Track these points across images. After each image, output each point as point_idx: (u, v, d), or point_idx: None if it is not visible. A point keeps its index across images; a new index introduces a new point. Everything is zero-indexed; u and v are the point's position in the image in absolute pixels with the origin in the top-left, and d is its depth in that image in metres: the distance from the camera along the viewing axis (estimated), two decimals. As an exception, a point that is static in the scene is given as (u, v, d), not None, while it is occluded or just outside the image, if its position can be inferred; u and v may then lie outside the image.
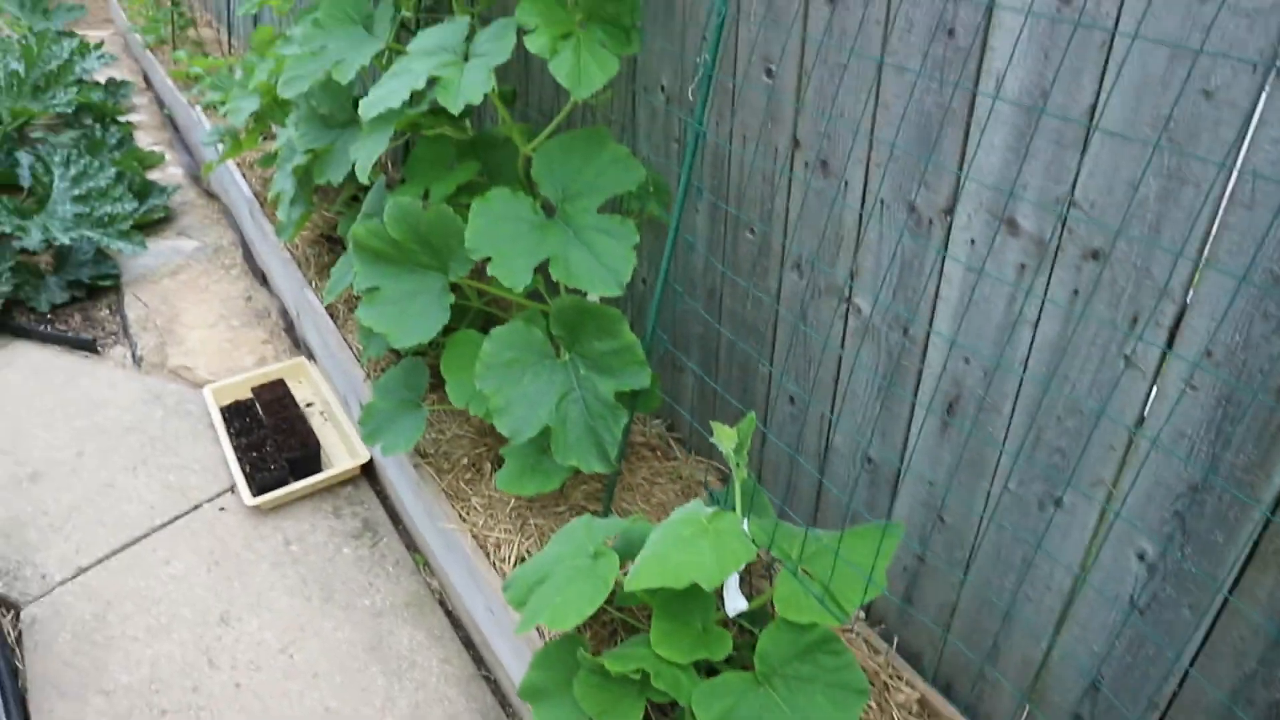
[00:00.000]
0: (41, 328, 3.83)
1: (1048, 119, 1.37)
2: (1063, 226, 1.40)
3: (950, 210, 1.57)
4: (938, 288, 1.64)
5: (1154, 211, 1.27)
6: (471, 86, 1.89)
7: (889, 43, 1.57)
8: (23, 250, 4.22)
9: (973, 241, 1.55)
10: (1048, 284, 1.45)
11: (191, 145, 5.20)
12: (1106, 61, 1.28)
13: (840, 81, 1.68)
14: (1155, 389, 1.35)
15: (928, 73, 1.52)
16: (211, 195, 4.85)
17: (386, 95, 1.92)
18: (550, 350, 1.99)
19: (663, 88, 2.10)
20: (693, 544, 1.56)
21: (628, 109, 2.23)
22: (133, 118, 6.05)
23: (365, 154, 2.21)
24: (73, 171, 4.24)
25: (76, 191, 4.19)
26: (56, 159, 4.28)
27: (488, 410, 1.98)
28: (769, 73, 1.81)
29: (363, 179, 2.21)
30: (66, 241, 3.95)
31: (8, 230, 3.91)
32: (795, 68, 1.75)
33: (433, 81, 1.96)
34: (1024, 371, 1.52)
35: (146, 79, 6.43)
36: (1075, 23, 1.28)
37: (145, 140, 5.70)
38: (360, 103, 1.93)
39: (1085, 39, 1.29)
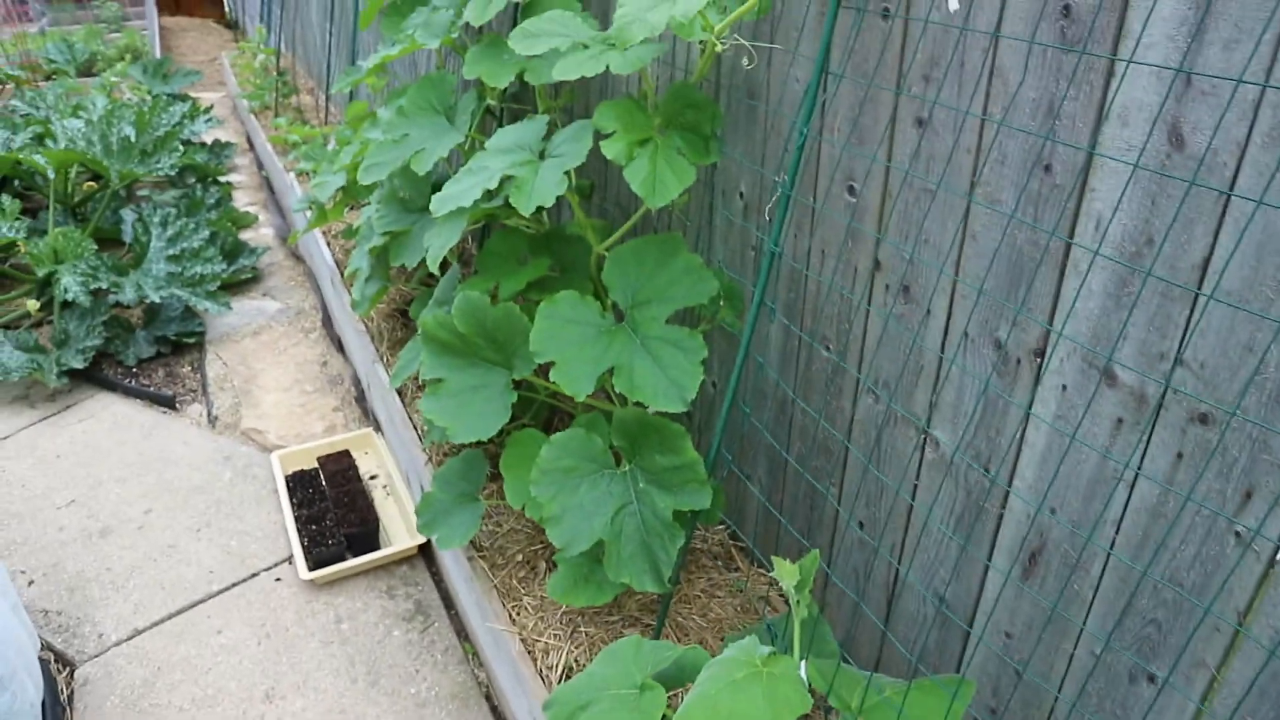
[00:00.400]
0: (127, 381, 3.94)
1: (1154, 268, 1.27)
2: (1167, 385, 1.29)
3: (1041, 353, 1.47)
4: (1023, 431, 1.53)
5: (1275, 381, 1.15)
6: (544, 189, 1.86)
7: (980, 172, 1.49)
8: (116, 304, 4.38)
9: (1064, 388, 1.44)
10: (1147, 443, 1.33)
11: (284, 208, 5.36)
12: (1223, 215, 1.18)
13: (926, 208, 1.60)
14: (1272, 573, 1.21)
15: (1021, 207, 1.43)
16: (298, 258, 4.97)
17: (459, 193, 1.91)
18: (610, 460, 1.92)
19: (741, 194, 2.05)
20: (745, 690, 1.46)
21: (704, 212, 2.19)
22: (233, 178, 6.29)
23: (437, 245, 2.20)
24: (169, 232, 4.40)
25: (171, 251, 4.34)
26: (156, 219, 4.45)
27: (542, 515, 1.91)
28: (851, 190, 1.74)
29: (433, 269, 2.21)
30: (157, 299, 4.08)
31: (104, 286, 4.06)
32: (879, 189, 1.68)
33: (506, 180, 1.95)
34: (1116, 533, 1.40)
35: (249, 141, 6.70)
36: (1190, 180, 1.19)
37: (242, 200, 5.91)
38: (433, 198, 1.92)
39: (1201, 182, 1.19)
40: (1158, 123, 1.22)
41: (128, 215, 5.04)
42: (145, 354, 4.14)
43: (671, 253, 1.91)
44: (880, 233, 1.70)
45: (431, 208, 1.89)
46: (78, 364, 3.86)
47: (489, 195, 1.94)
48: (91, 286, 4.05)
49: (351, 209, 4.22)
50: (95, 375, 4.00)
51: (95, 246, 4.27)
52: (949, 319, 1.62)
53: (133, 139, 4.72)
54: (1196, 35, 1.15)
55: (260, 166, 6.21)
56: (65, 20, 11.59)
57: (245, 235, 5.33)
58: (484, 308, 2.06)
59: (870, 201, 1.71)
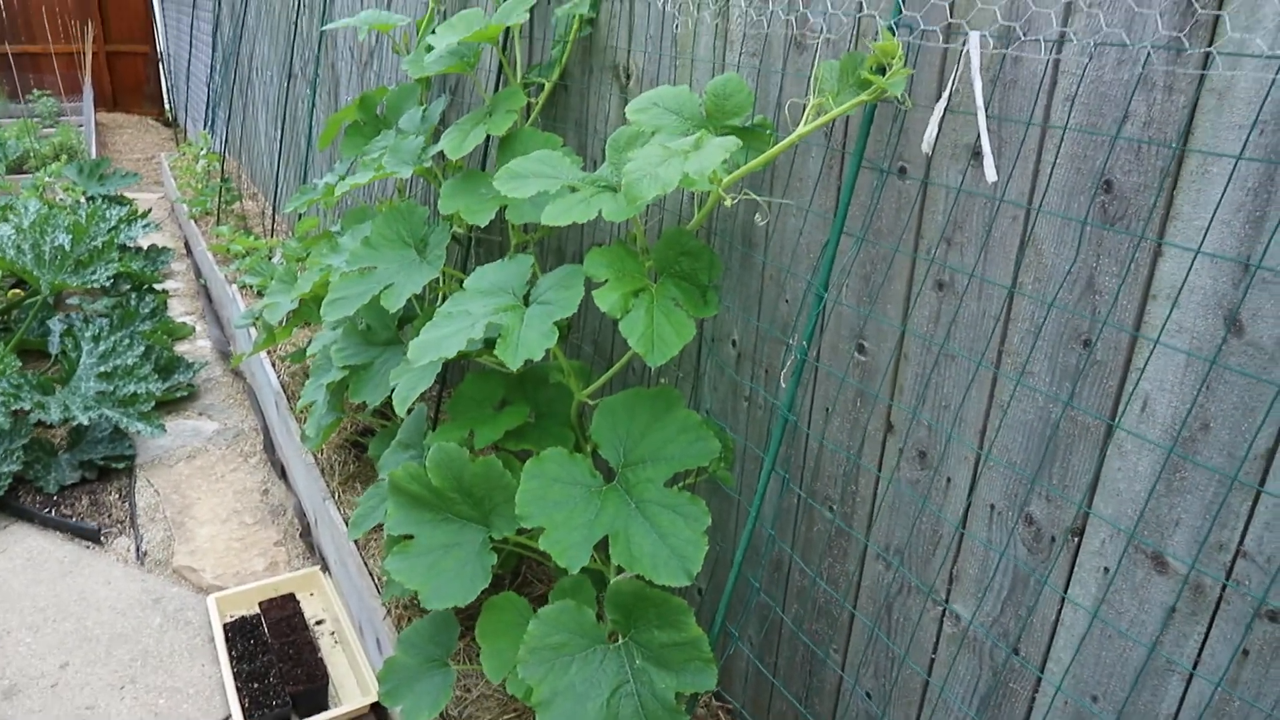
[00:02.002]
0: (46, 511, 3.64)
1: (1209, 454, 1.19)
2: (1228, 577, 1.19)
3: (1080, 531, 1.37)
4: (1059, 612, 1.42)
5: (1359, 590, 1.07)
6: (532, 340, 1.74)
7: (1008, 340, 1.41)
8: (39, 423, 4.09)
9: (1107, 570, 1.34)
10: (1206, 636, 1.23)
11: (224, 319, 5.14)
12: (1289, 406, 1.10)
13: (945, 372, 1.51)
14: (1362, 799, 1.10)
15: (1056, 382, 1.35)
16: (238, 373, 4.74)
17: (439, 340, 1.78)
18: (602, 633, 1.76)
19: (734, 343, 1.96)
20: None
21: (694, 358, 2.08)
22: (169, 285, 6.06)
23: (407, 388, 2.06)
24: (101, 348, 4.15)
25: (103, 368, 4.08)
26: (88, 333, 4.20)
27: (528, 693, 1.73)
28: (861, 349, 1.66)
29: (400, 412, 2.06)
30: (85, 422, 3.81)
31: (27, 407, 3.78)
32: (893, 350, 1.60)
33: (491, 329, 1.82)
34: (1175, 736, 1.28)
35: (187, 246, 6.49)
36: (1249, 374, 1.12)
37: (178, 309, 5.67)
38: (411, 346, 1.78)
39: (1262, 371, 1.12)
40: (1213, 307, 1.15)
41: (55, 326, 4.77)
42: (68, 480, 3.84)
43: (666, 408, 1.79)
44: (894, 395, 1.61)
45: (410, 357, 1.75)
46: (-10, 492, 3.55)
47: (472, 343, 1.81)
48: (13, 407, 3.77)
49: (301, 327, 4.04)
50: (10, 504, 3.69)
51: (19, 363, 4.00)
52: (972, 489, 1.52)
53: (67, 248, 4.49)
54: (1255, 223, 1.10)
55: (198, 274, 6.00)
56: (-3, 115, 11.33)
57: (181, 348, 5.09)
58: (461, 461, 1.90)
59: (882, 362, 1.62)
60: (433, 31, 2.92)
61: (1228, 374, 1.15)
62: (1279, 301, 1.10)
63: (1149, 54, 1.14)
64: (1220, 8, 1.07)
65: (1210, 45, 1.09)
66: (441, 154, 2.33)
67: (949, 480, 1.56)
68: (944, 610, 1.62)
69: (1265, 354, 1.12)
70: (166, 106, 13.03)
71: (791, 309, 1.77)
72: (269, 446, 3.97)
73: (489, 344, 2.10)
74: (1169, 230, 1.19)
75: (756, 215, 1.78)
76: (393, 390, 2.18)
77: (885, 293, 1.58)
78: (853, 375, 1.68)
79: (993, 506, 1.49)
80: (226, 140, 7.28)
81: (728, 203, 1.54)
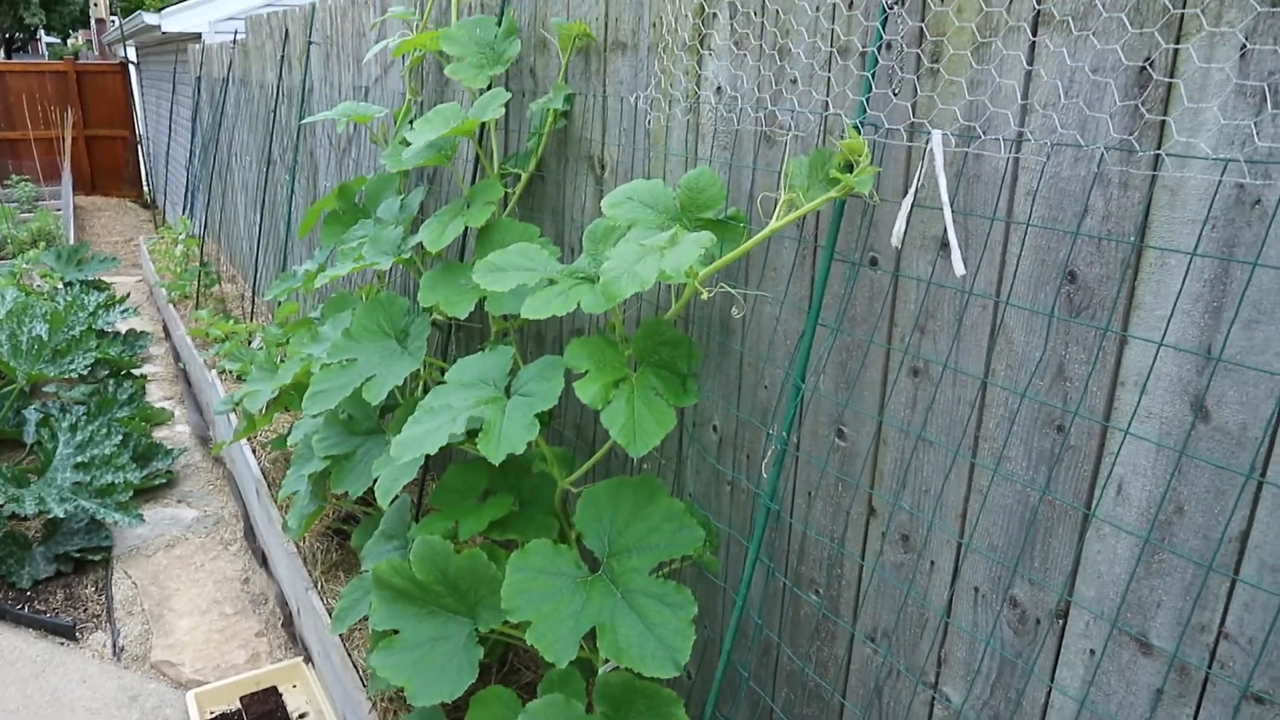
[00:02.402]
0: (19, 607, 3.56)
1: (1184, 537, 1.20)
2: (1211, 658, 1.20)
3: (1064, 614, 1.38)
4: (1048, 694, 1.42)
5: (1340, 674, 1.08)
6: (514, 433, 1.75)
7: (984, 425, 1.44)
8: (13, 516, 4.02)
9: (1093, 652, 1.35)
10: (1194, 718, 1.23)
11: (202, 404, 5.12)
12: (1260, 489, 1.13)
13: (924, 457, 1.53)
14: None
15: (1033, 466, 1.37)
16: (218, 459, 4.70)
17: (422, 436, 1.78)
18: (591, 729, 1.73)
19: (715, 428, 1.97)
20: None
21: (676, 442, 2.10)
22: (148, 369, 6.03)
23: (390, 480, 2.05)
24: (78, 438, 4.11)
25: (80, 459, 4.04)
26: (64, 423, 4.17)
27: (514, 795, 1.70)
28: (841, 434, 1.68)
29: (384, 505, 2.05)
30: (61, 514, 3.75)
31: (1, 501, 3.72)
32: (872, 434, 1.62)
33: (473, 422, 1.83)
34: (1172, 822, 1.27)
35: (166, 330, 6.48)
36: (1217, 463, 1.14)
37: (156, 394, 5.64)
38: (394, 443, 1.78)
39: (1230, 456, 1.15)
40: (1179, 393, 1.18)
41: (31, 415, 4.73)
42: (43, 574, 3.77)
43: (650, 497, 1.80)
44: (874, 479, 1.63)
45: (392, 454, 1.75)
46: (-38, 591, 3.48)
47: (454, 437, 1.81)
48: (-14, 501, 3.71)
49: (281, 413, 4.03)
50: (-18, 601, 3.61)
51: (-7, 456, 3.96)
52: (956, 572, 1.53)
53: (45, 338, 4.48)
54: (1213, 313, 1.14)
55: (177, 357, 5.98)
56: (-25, 201, 11.34)
57: (160, 434, 5.05)
58: (447, 554, 1.89)
59: (862, 447, 1.64)
60: (410, 122, 2.98)
61: (1200, 453, 1.18)
62: (1242, 388, 1.13)
63: (1103, 154, 1.19)
64: (1166, 113, 1.12)
65: (1159, 147, 1.14)
66: (421, 245, 2.37)
67: (932, 563, 1.56)
68: (934, 694, 1.61)
69: (1232, 439, 1.15)
70: (145, 189, 13.11)
71: (771, 395, 1.79)
72: (249, 533, 3.92)
73: (471, 433, 2.11)
74: (1133, 320, 1.22)
75: (733, 308, 1.81)
76: (375, 481, 2.18)
77: (862, 379, 1.61)
78: (833, 460, 1.69)
79: (977, 589, 1.50)
80: (206, 223, 7.32)
81: (704, 295, 1.57)
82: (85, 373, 4.63)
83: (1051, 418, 1.34)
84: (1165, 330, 1.17)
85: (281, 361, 3.94)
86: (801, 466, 1.78)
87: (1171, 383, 1.19)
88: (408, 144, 2.43)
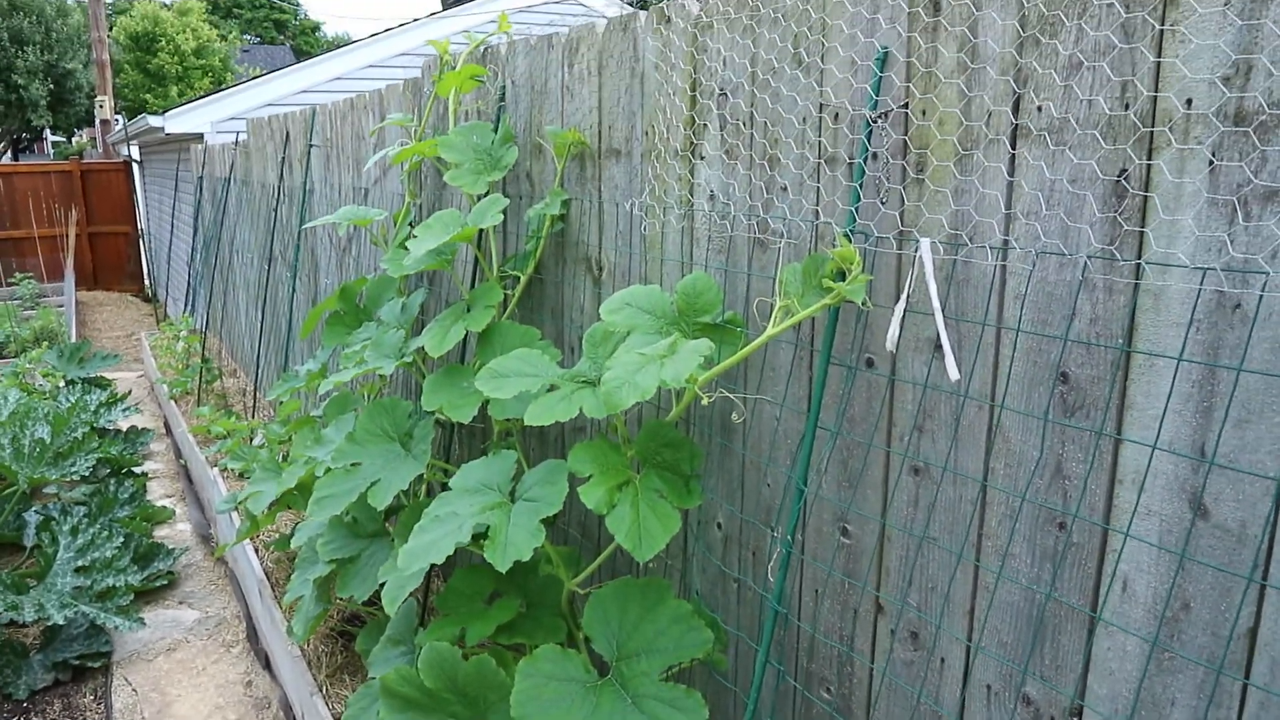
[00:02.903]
0: (16, 720, 3.49)
1: (1193, 634, 1.21)
2: (1229, 760, 1.19)
3: (1078, 712, 1.37)
4: (1068, 796, 1.40)
5: (1358, 776, 1.07)
6: (520, 539, 1.76)
7: (986, 523, 1.45)
8: (10, 623, 3.97)
9: (1110, 753, 1.33)
10: (1217, 823, 1.22)
11: (204, 501, 5.10)
12: (1265, 586, 1.13)
13: (929, 554, 1.54)
14: None
15: (1037, 563, 1.38)
16: (219, 557, 4.67)
17: (428, 546, 1.79)
18: (604, 842, 1.70)
19: (719, 525, 1.98)
20: None
21: (681, 540, 2.10)
22: (149, 466, 6.02)
23: (396, 588, 2.05)
24: (79, 541, 4.09)
25: (80, 562, 4.01)
26: (65, 526, 4.15)
27: None
28: (845, 532, 1.68)
29: (390, 612, 2.04)
30: (61, 621, 3.70)
31: (0, 609, 3.68)
32: (877, 532, 1.62)
33: (478, 528, 1.84)
34: None
35: (167, 426, 6.49)
36: (1216, 565, 1.15)
37: (158, 491, 5.62)
38: (401, 553, 1.79)
39: (1232, 555, 1.16)
40: (1177, 491, 1.20)
41: (31, 518, 4.70)
42: (40, 684, 3.71)
43: (658, 599, 1.79)
44: (880, 577, 1.63)
45: (400, 565, 1.75)
46: (-41, 705, 3.41)
47: (460, 545, 1.82)
48: (-15, 610, 3.67)
49: (284, 511, 4.02)
50: (-22, 715, 3.54)
51: (-7, 563, 3.93)
52: (967, 669, 1.52)
53: (47, 440, 4.49)
54: (1204, 412, 1.16)
55: (178, 454, 5.97)
56: (-21, 299, 11.47)
57: (161, 533, 5.02)
58: (454, 662, 1.88)
59: (867, 544, 1.65)
60: (409, 224, 3.05)
61: (1200, 550, 1.19)
62: (1238, 486, 1.14)
63: (1086, 262, 1.23)
64: (1143, 225, 1.17)
65: (1140, 255, 1.18)
66: (423, 348, 2.40)
67: (943, 661, 1.56)
68: (953, 796, 1.58)
69: (1233, 536, 1.16)
70: (146, 283, 13.26)
71: (774, 493, 1.80)
72: (252, 635, 3.87)
73: (477, 537, 2.11)
74: (1126, 419, 1.25)
75: (733, 414, 1.83)
76: (381, 586, 2.17)
77: (864, 479, 1.62)
78: (839, 558, 1.70)
79: (989, 687, 1.49)
80: (208, 319, 7.40)
81: (705, 401, 1.60)
82: (87, 474, 4.63)
83: (1052, 515, 1.35)
84: (1159, 430, 1.19)
85: (284, 460, 3.95)
86: (807, 565, 1.78)
87: (1169, 480, 1.21)
88: (408, 249, 2.48)
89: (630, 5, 10.45)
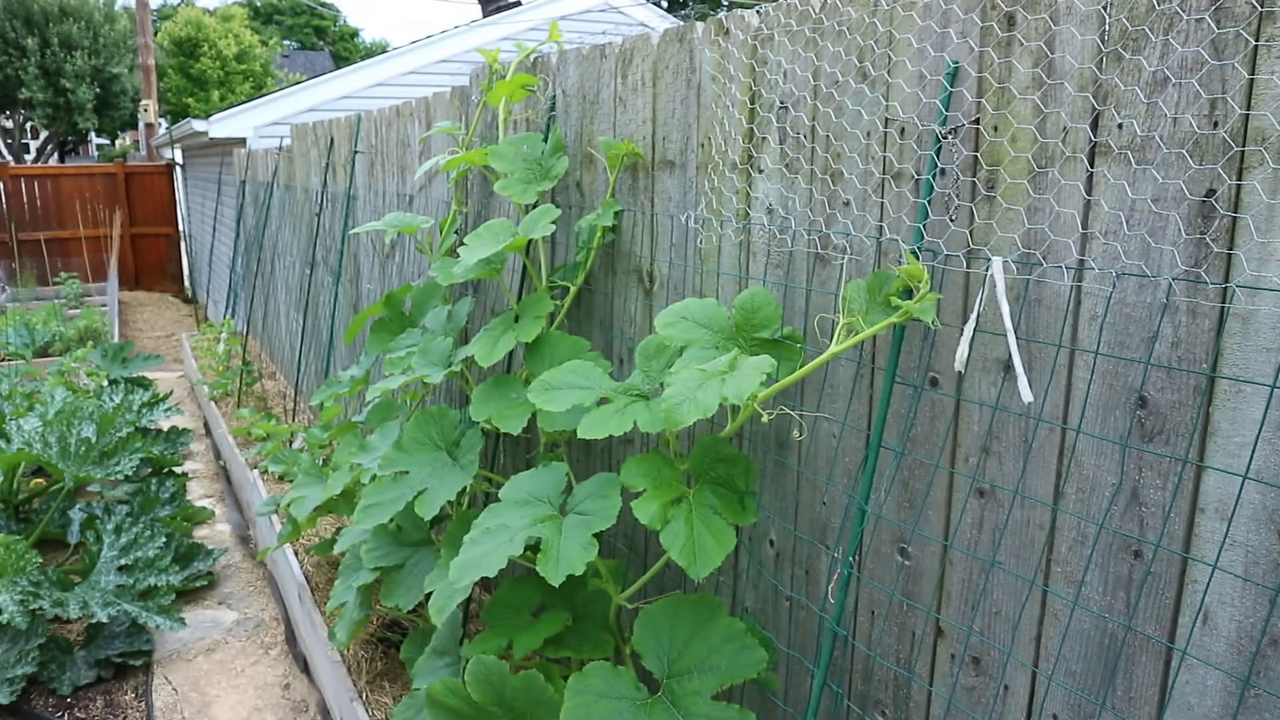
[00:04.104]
0: (58, 715, 3.53)
1: None
2: (1315, 803, 1.15)
3: (1151, 748, 1.32)
4: (1138, 833, 1.36)
5: None
6: (572, 553, 1.74)
7: (1056, 549, 1.41)
8: (55, 619, 4.02)
9: (1184, 789, 1.29)
10: None
11: (243, 503, 5.15)
12: (1355, 627, 1.09)
13: (994, 579, 1.50)
14: None
15: (1109, 591, 1.34)
16: (259, 560, 4.70)
17: (480, 559, 1.78)
18: None
19: (771, 543, 1.95)
20: None
21: (732, 556, 2.07)
22: (188, 466, 6.09)
23: (444, 598, 2.04)
24: (123, 540, 4.13)
25: (123, 561, 4.05)
26: (109, 525, 4.20)
27: None
28: (904, 553, 1.65)
29: (437, 624, 2.03)
30: (104, 619, 3.74)
31: (47, 606, 3.73)
32: (938, 554, 1.59)
33: (531, 541, 1.82)
34: None
35: (207, 427, 6.56)
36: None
37: (197, 492, 5.68)
38: (453, 565, 1.78)
39: (1320, 594, 1.12)
40: (1264, 521, 1.16)
41: (76, 515, 4.77)
42: (83, 680, 3.75)
43: (709, 616, 1.77)
44: (941, 600, 1.60)
45: (451, 577, 1.74)
46: (3, 699, 3.46)
47: (512, 559, 1.81)
48: (31, 606, 3.72)
49: (324, 516, 4.03)
50: (20, 709, 3.58)
51: (39, 559, 3.98)
52: (1031, 697, 1.48)
53: (93, 440, 4.55)
54: (1296, 441, 1.12)
55: (218, 455, 6.04)
56: (26, 298, 11.69)
57: (200, 533, 5.07)
58: (502, 675, 1.87)
59: (927, 566, 1.61)
60: (455, 232, 3.05)
61: (1288, 590, 1.15)
62: (1330, 520, 1.10)
63: (1170, 284, 1.19)
64: (1232, 246, 1.13)
65: (1227, 279, 1.14)
66: (471, 358, 2.40)
67: (1006, 688, 1.52)
68: (1013, 828, 1.54)
69: (1323, 571, 1.12)
70: (185, 284, 13.45)
71: (829, 511, 1.78)
72: (290, 638, 3.89)
73: (527, 549, 2.10)
74: (1209, 446, 1.21)
75: (794, 432, 1.80)
76: (426, 595, 2.16)
77: (926, 499, 1.59)
78: (898, 579, 1.66)
79: (1055, 716, 1.45)
80: (248, 321, 7.48)
81: (765, 419, 1.58)
82: (130, 474, 4.69)
83: (1127, 543, 1.31)
84: (1250, 458, 1.15)
85: (324, 464, 3.97)
86: (864, 585, 1.75)
87: (1256, 510, 1.17)
88: (457, 256, 2.48)
89: (667, 14, 10.46)
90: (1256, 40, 1.08)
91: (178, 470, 5.75)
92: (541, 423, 2.10)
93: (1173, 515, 1.26)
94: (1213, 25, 1.12)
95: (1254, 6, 1.08)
